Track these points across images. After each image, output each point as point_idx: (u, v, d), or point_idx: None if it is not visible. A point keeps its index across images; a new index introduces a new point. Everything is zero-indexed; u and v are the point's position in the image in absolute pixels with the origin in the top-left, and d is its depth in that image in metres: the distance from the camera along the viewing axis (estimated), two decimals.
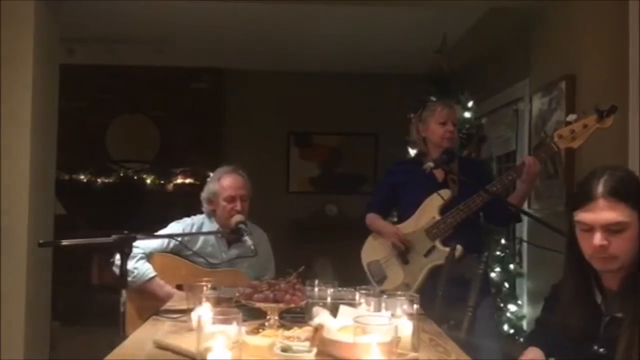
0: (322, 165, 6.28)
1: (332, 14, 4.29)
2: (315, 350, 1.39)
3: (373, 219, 2.78)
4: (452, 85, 3.64)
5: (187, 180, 6.03)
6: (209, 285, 1.80)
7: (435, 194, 2.56)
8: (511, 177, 2.45)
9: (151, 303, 2.46)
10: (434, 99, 3.60)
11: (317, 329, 1.40)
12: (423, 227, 2.58)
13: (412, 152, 3.76)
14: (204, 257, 2.59)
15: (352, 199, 6.24)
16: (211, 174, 6.18)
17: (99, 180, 5.90)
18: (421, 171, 2.68)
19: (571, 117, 2.27)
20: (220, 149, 6.13)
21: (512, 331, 3.48)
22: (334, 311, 1.71)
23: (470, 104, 3.57)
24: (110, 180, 5.94)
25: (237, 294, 1.76)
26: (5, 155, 2.84)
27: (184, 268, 2.61)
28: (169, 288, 2.55)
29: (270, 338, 1.53)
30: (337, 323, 1.54)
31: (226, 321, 1.37)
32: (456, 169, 2.63)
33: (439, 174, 2.66)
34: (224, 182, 2.72)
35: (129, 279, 2.44)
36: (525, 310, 3.50)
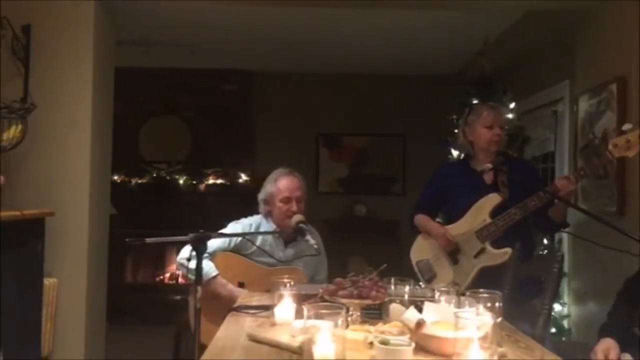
0: (351, 165, 6.34)
1: (361, 16, 4.34)
2: (414, 344, 1.44)
3: (422, 220, 2.83)
4: (496, 86, 3.68)
5: (219, 181, 6.11)
6: (292, 283, 1.86)
7: (487, 197, 2.61)
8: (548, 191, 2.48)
9: (210, 301, 2.51)
10: (475, 100, 3.64)
11: (420, 323, 1.46)
12: (473, 229, 2.62)
13: (455, 153, 3.84)
14: (263, 257, 2.65)
15: (381, 200, 6.31)
16: (242, 175, 6.32)
17: (132, 180, 5.99)
18: (470, 174, 2.73)
19: (627, 127, 2.30)
20: (250, 149, 6.21)
21: (553, 330, 3.52)
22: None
23: (512, 105, 3.61)
24: (144, 181, 6.03)
25: (320, 291, 1.82)
26: (67, 156, 2.93)
27: (245, 266, 2.68)
28: (231, 286, 2.61)
29: (362, 332, 1.59)
30: (427, 319, 1.60)
31: (328, 316, 1.43)
32: (508, 171, 2.67)
33: (488, 177, 2.70)
34: (279, 184, 2.78)
35: (192, 277, 2.51)
36: (568, 309, 3.54)
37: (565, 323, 3.57)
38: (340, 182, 6.34)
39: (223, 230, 2.75)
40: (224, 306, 2.57)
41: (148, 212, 5.85)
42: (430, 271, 2.73)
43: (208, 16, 4.44)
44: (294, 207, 2.70)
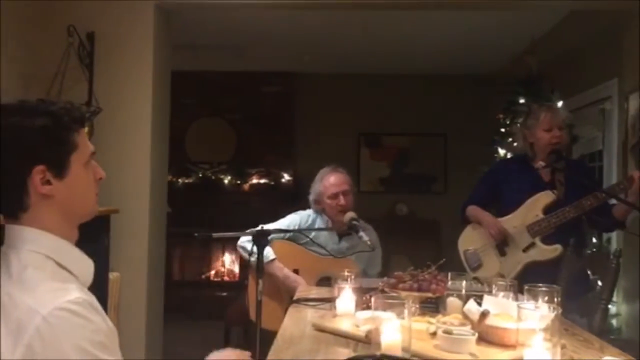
0: (392, 165, 6.39)
1: (403, 17, 4.39)
2: (477, 334, 1.51)
3: (475, 210, 2.87)
4: (543, 86, 3.69)
5: (262, 180, 6.25)
6: (353, 276, 1.94)
7: (542, 193, 2.65)
8: (622, 187, 2.49)
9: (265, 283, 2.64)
10: (522, 100, 3.66)
11: (485, 314, 1.52)
12: (525, 224, 2.66)
13: (502, 151, 3.86)
14: (318, 247, 2.76)
15: (422, 199, 6.35)
16: (284, 174, 6.42)
17: (179, 180, 6.17)
18: (527, 170, 2.78)
19: None
20: (292, 150, 6.33)
21: None
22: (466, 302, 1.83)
23: (560, 103, 3.61)
24: (190, 181, 6.20)
25: (380, 284, 1.90)
26: (130, 157, 3.08)
27: (300, 254, 2.82)
28: (287, 271, 2.77)
29: (423, 323, 1.67)
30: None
31: (394, 307, 1.50)
32: (565, 170, 2.70)
33: (546, 175, 2.74)
34: (326, 182, 2.89)
35: (251, 259, 2.65)
36: (618, 308, 3.53)
37: (614, 321, 3.56)
38: (381, 181, 6.39)
39: (282, 220, 2.91)
40: (278, 288, 2.71)
41: (194, 211, 6.01)
42: (477, 261, 2.78)
43: (254, 20, 4.57)
44: (342, 201, 2.81)
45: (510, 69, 5.07)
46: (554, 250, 2.52)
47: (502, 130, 3.87)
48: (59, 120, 1.13)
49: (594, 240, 3.56)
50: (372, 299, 1.49)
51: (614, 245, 3.70)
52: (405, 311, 1.46)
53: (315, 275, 2.76)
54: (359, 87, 6.24)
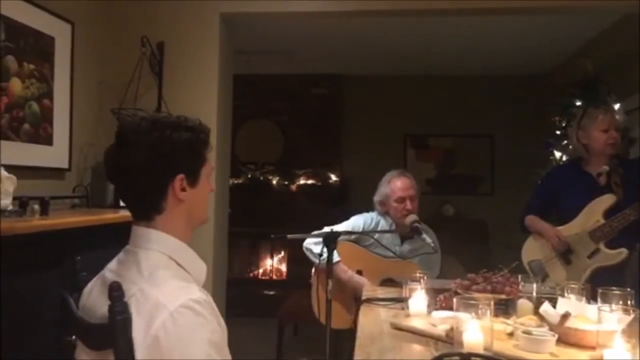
0: (439, 166, 6.42)
1: (450, 19, 4.42)
2: (556, 335, 1.56)
3: (534, 221, 2.90)
4: (600, 88, 3.68)
5: (309, 181, 6.36)
6: (425, 278, 2.02)
7: (601, 197, 2.66)
8: None
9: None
10: (579, 102, 3.66)
11: (566, 316, 1.57)
12: (587, 230, 2.68)
13: (557, 154, 3.86)
14: (381, 249, 2.84)
15: (469, 200, 6.36)
16: (331, 175, 6.50)
17: (230, 181, 6.32)
18: (582, 175, 2.79)
19: None
20: (339, 151, 6.42)
21: None
22: (538, 305, 1.89)
23: (617, 106, 3.60)
24: (240, 181, 6.36)
25: (453, 285, 1.96)
26: None
27: (364, 256, 2.90)
28: (351, 272, 2.86)
29: (499, 324, 1.73)
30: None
31: (469, 307, 1.57)
32: (622, 172, 2.70)
33: (602, 178, 2.74)
34: (393, 185, 2.95)
35: (316, 261, 2.77)
36: None
37: None
38: (428, 182, 6.42)
39: (346, 222, 3.00)
40: (341, 289, 2.80)
41: (243, 211, 6.16)
42: (542, 271, 2.80)
43: (302, 25, 4.67)
44: (409, 206, 2.87)
45: (563, 70, 5.04)
46: (619, 254, 2.54)
47: (558, 132, 3.87)
48: (198, 136, 1.27)
49: None
50: (454, 300, 1.56)
51: None
52: (488, 312, 1.53)
53: (378, 277, 2.84)
54: (405, 88, 6.29)
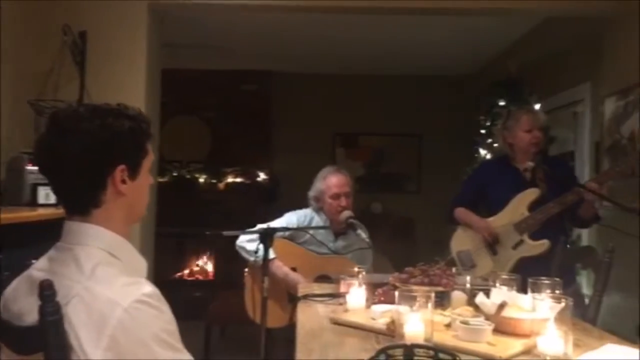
0: (367, 165, 6.51)
1: (379, 19, 4.48)
2: (493, 325, 1.61)
3: (464, 213, 2.99)
4: (523, 88, 3.84)
5: (238, 179, 6.26)
6: (363, 273, 2.02)
7: (527, 191, 2.78)
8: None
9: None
10: (502, 102, 3.81)
11: (503, 305, 1.62)
12: (512, 222, 2.80)
13: (483, 152, 4.00)
14: (315, 246, 2.83)
15: (397, 198, 6.49)
16: (260, 173, 6.43)
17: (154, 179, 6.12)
18: (509, 170, 2.92)
19: None
20: (268, 149, 6.37)
21: None
22: (471, 297, 1.94)
23: (537, 106, 3.78)
24: (165, 180, 6.16)
25: (391, 279, 1.98)
26: None
27: (298, 253, 2.89)
28: (287, 269, 2.84)
29: (437, 316, 1.75)
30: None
31: (407, 300, 1.57)
32: (546, 168, 2.84)
33: (528, 174, 2.87)
34: (328, 181, 2.95)
35: (251, 259, 2.72)
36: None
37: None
38: (357, 180, 6.44)
39: (280, 219, 2.97)
40: (276, 287, 2.78)
41: (168, 211, 5.97)
42: (470, 261, 2.90)
43: (233, 20, 4.59)
44: (343, 202, 2.88)
45: (489, 71, 5.23)
46: (542, 245, 2.67)
47: (483, 131, 4.02)
48: (140, 125, 1.19)
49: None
50: (396, 293, 1.56)
51: (584, 241, 3.91)
52: (429, 304, 1.55)
53: (313, 274, 2.83)
54: (335, 87, 6.33)
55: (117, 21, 3.09)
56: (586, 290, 3.76)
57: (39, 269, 1.18)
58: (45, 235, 1.25)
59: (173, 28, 4.62)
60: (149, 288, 1.10)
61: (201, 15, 4.41)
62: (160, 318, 1.08)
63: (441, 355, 1.36)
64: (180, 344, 1.12)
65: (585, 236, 3.96)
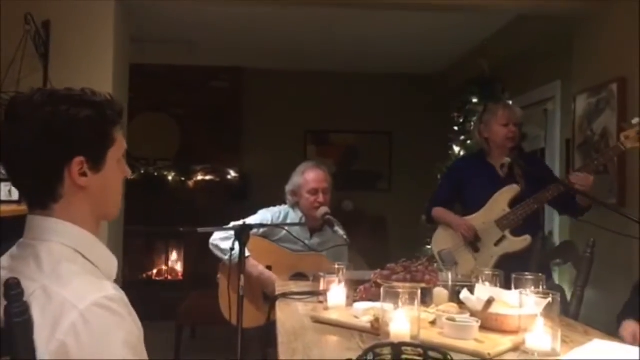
0: (339, 162, 6.45)
1: (351, 15, 4.45)
2: (480, 321, 1.57)
3: (442, 212, 2.96)
4: (495, 86, 3.85)
5: (207, 177, 6.14)
6: (344, 270, 1.97)
7: (506, 188, 2.78)
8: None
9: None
10: (475, 99, 3.81)
11: (490, 301, 1.58)
12: (493, 219, 2.79)
13: (456, 149, 4.00)
14: (290, 243, 2.77)
15: (368, 196, 6.46)
16: (230, 171, 6.33)
17: None
18: (485, 167, 2.90)
19: (636, 120, 2.50)
20: (239, 146, 6.27)
21: None
22: (453, 293, 1.91)
23: (510, 103, 3.79)
24: (132, 177, 6.00)
25: (373, 276, 1.93)
26: None
27: (273, 251, 2.83)
28: (262, 268, 2.77)
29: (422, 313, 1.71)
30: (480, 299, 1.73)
31: (390, 297, 1.53)
32: (523, 164, 2.84)
33: (504, 170, 2.86)
34: (307, 176, 2.89)
35: (225, 257, 2.64)
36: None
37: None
38: None
39: (254, 217, 2.89)
40: (251, 286, 2.71)
41: (135, 209, 5.81)
42: (452, 260, 2.87)
43: (202, 14, 4.49)
44: (321, 198, 2.83)
45: (461, 68, 5.24)
46: (524, 240, 2.67)
47: (456, 128, 4.02)
48: (103, 113, 1.10)
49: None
50: (381, 290, 1.51)
51: (556, 236, 3.95)
52: (416, 301, 1.50)
53: (288, 272, 2.77)
54: (306, 84, 6.26)
55: (83, 12, 2.96)
56: (564, 285, 3.80)
57: (1, 267, 1.09)
58: (8, 234, 1.15)
59: (141, 22, 4.51)
60: (112, 291, 1.01)
61: (170, 10, 4.30)
62: (120, 326, 0.98)
63: (431, 354, 1.31)
64: (139, 357, 1.02)
65: (557, 231, 4.00)
